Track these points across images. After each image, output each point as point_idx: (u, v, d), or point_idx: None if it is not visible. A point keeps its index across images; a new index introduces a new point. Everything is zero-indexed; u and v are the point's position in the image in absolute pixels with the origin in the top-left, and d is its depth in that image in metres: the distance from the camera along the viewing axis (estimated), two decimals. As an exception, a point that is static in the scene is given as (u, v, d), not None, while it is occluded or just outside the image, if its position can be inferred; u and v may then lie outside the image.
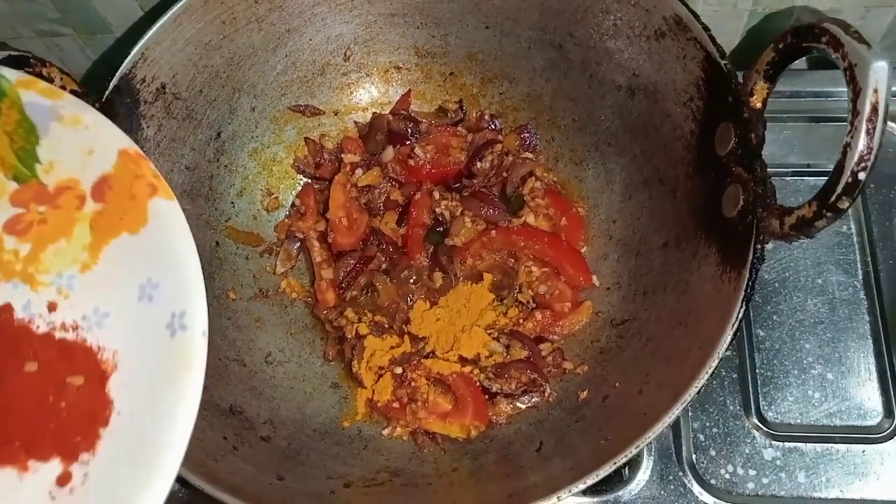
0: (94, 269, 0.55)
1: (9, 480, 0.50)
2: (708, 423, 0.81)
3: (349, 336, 0.85)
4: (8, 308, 0.54)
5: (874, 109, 0.54)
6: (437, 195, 0.90)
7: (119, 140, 0.57)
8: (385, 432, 0.80)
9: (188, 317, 0.52)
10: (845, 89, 0.56)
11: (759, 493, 0.78)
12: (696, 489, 0.79)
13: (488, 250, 0.88)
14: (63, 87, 0.68)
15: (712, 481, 0.79)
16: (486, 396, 0.81)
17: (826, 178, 0.58)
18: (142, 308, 0.53)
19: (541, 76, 0.90)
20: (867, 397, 0.82)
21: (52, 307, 0.55)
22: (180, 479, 0.61)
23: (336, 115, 0.95)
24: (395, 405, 0.81)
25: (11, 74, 0.57)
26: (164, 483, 0.48)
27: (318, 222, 0.90)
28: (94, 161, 0.56)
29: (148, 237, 0.54)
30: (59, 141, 0.57)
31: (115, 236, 0.55)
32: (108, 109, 0.71)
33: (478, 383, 0.81)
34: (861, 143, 0.54)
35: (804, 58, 0.65)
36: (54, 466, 0.50)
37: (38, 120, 0.57)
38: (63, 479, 0.50)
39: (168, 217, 0.55)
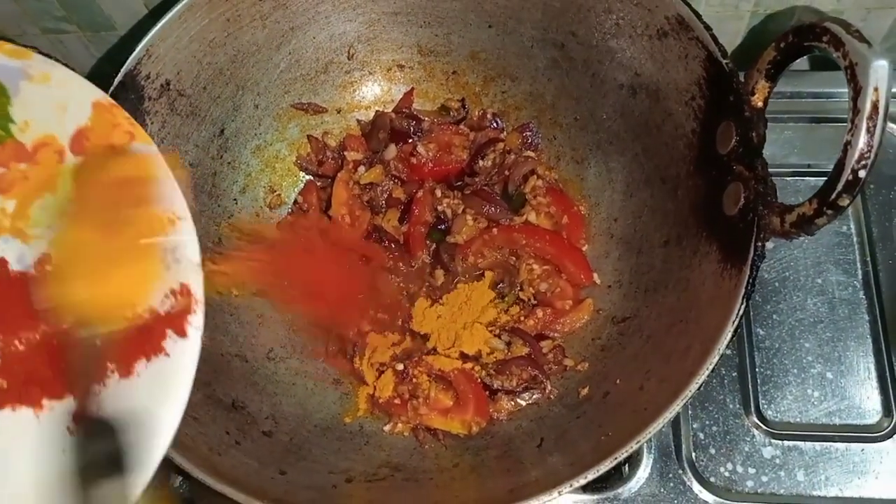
0: None
1: (26, 419, 0.52)
2: (708, 422, 0.82)
3: (351, 332, 0.85)
4: (3, 262, 0.55)
5: (875, 108, 0.54)
6: (439, 193, 0.90)
7: (91, 92, 0.59)
8: (386, 428, 0.81)
9: (180, 249, 0.54)
10: (845, 90, 0.57)
11: (759, 491, 0.79)
12: (696, 487, 0.79)
13: (490, 248, 0.88)
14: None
15: (712, 479, 0.79)
16: (487, 393, 0.81)
17: (826, 178, 0.58)
18: None
19: (543, 75, 0.90)
20: (866, 396, 0.82)
21: (47, 259, 0.56)
22: (183, 473, 0.62)
23: (339, 112, 0.96)
24: (397, 401, 0.81)
25: None
26: (182, 395, 0.51)
27: (320, 219, 0.91)
28: (69, 115, 0.58)
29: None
30: (31, 100, 0.57)
31: None
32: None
33: (479, 380, 0.81)
34: (861, 141, 0.55)
35: (806, 58, 0.66)
36: (68, 403, 0.52)
37: (8, 81, 0.57)
38: (78, 412, 0.52)
39: (148, 160, 0.57)
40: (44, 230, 0.56)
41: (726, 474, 0.79)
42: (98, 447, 0.51)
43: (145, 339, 0.53)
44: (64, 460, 0.51)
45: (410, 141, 0.92)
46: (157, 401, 0.52)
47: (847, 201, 0.57)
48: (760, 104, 0.68)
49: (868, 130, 0.54)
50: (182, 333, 0.53)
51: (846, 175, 0.56)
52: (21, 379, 0.53)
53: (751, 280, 0.63)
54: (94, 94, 0.58)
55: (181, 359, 0.53)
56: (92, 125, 0.57)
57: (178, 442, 0.61)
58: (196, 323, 0.54)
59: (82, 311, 0.53)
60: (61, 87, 0.58)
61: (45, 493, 0.50)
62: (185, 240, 0.56)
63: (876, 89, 0.54)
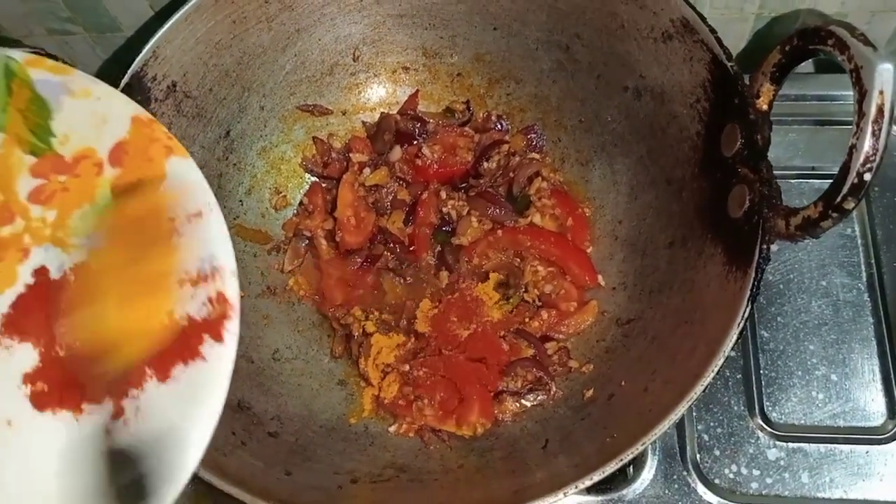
0: None
1: (67, 422, 0.53)
2: (712, 424, 0.82)
3: (356, 334, 0.85)
4: (43, 270, 0.56)
5: (880, 111, 0.54)
6: (443, 195, 0.90)
7: (130, 107, 0.60)
8: (391, 429, 0.81)
9: (217, 261, 0.55)
10: (850, 93, 0.57)
11: (763, 492, 0.79)
12: (700, 489, 0.79)
13: (494, 250, 0.88)
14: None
15: (716, 481, 0.79)
16: (492, 394, 0.81)
17: (831, 180, 0.58)
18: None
19: (548, 77, 0.90)
20: (871, 399, 0.82)
21: (85, 267, 0.57)
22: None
23: (344, 114, 0.96)
24: (402, 402, 0.81)
25: (19, 55, 0.59)
26: (219, 399, 0.52)
27: (325, 221, 0.91)
28: (108, 129, 0.59)
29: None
30: (71, 114, 0.59)
31: None
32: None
33: (483, 381, 0.81)
34: (867, 144, 0.55)
35: (811, 60, 0.66)
36: (107, 407, 0.53)
37: (50, 96, 0.59)
38: (116, 414, 0.53)
39: (183, 174, 0.58)
40: (82, 239, 0.57)
41: (731, 476, 0.80)
42: (134, 450, 0.52)
43: (183, 344, 0.54)
44: (101, 464, 0.52)
45: (415, 143, 0.93)
46: (193, 405, 0.53)
47: (852, 204, 0.57)
48: (765, 107, 0.68)
49: (873, 134, 0.55)
50: (219, 338, 0.54)
51: (851, 178, 0.56)
52: (61, 383, 0.54)
53: (756, 283, 0.63)
54: (134, 109, 0.60)
55: (218, 363, 0.54)
56: (130, 139, 0.59)
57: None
58: (232, 329, 0.55)
59: (109, 337, 0.54)
60: (101, 101, 0.60)
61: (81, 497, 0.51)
62: (221, 249, 0.56)
63: (881, 93, 0.54)
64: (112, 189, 0.58)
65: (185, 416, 0.52)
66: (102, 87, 0.61)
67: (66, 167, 0.58)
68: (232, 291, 0.55)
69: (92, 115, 0.59)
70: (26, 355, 0.54)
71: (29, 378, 0.54)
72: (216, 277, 0.55)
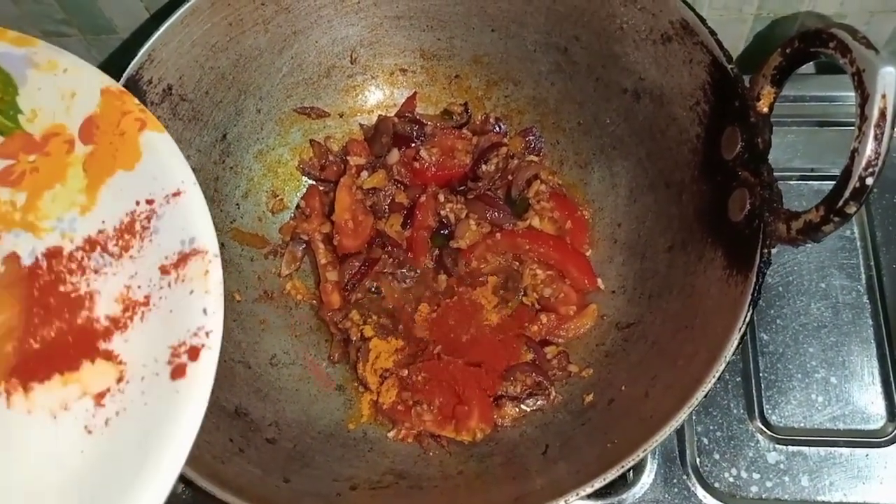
0: (95, 211, 0.55)
1: (44, 418, 0.51)
2: (712, 427, 0.82)
3: (354, 338, 0.85)
4: (14, 257, 0.54)
5: (882, 115, 0.54)
6: (442, 198, 0.90)
7: (100, 79, 0.57)
8: (390, 435, 0.80)
9: (197, 243, 0.53)
10: (849, 94, 0.57)
11: (763, 496, 0.78)
12: (700, 493, 0.79)
13: (493, 253, 0.88)
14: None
15: (716, 485, 0.79)
16: (492, 399, 0.81)
17: (830, 182, 0.58)
18: (149, 240, 0.54)
19: (546, 79, 0.90)
20: (870, 401, 0.82)
21: (56, 251, 0.55)
22: (186, 481, 0.61)
23: (341, 117, 0.95)
24: (400, 408, 0.81)
25: None
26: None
27: (323, 224, 0.90)
28: (78, 103, 0.56)
29: (144, 171, 0.55)
30: (38, 88, 0.56)
31: (110, 175, 0.55)
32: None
33: (482, 386, 0.81)
34: (869, 148, 0.54)
35: (812, 62, 0.65)
36: (86, 403, 0.51)
37: (14, 70, 0.56)
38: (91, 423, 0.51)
39: (161, 149, 0.55)
40: (54, 223, 0.55)
41: (731, 479, 0.79)
42: (116, 450, 0.50)
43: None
44: (82, 462, 0.50)
45: (413, 145, 0.92)
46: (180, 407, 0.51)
47: (854, 209, 0.57)
48: (766, 109, 0.68)
49: (875, 138, 0.54)
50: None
51: (853, 182, 0.56)
52: (39, 377, 0.52)
53: (757, 287, 0.62)
54: (103, 80, 0.57)
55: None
56: (101, 112, 0.56)
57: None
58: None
59: None
60: (69, 74, 0.57)
61: (60, 496, 0.50)
62: (201, 229, 0.54)
63: (884, 96, 0.54)
64: (83, 167, 0.55)
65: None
66: (69, 59, 0.57)
67: (36, 146, 0.56)
68: (216, 275, 0.53)
69: (60, 88, 0.56)
70: None
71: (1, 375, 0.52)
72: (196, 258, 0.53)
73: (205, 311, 0.51)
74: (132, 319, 0.53)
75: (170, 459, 0.47)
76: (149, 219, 0.55)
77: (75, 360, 0.53)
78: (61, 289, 0.54)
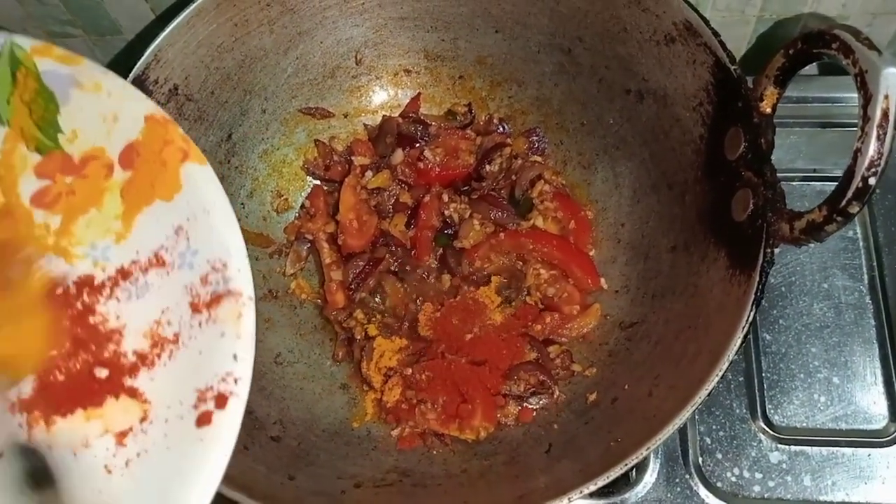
0: (129, 239, 0.54)
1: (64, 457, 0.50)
2: (714, 427, 0.82)
3: (358, 337, 0.85)
4: (47, 283, 0.53)
5: (885, 115, 0.54)
6: (446, 198, 0.90)
7: (144, 105, 0.55)
8: (394, 433, 0.81)
9: (232, 284, 0.51)
10: (851, 95, 0.57)
11: (766, 496, 0.79)
12: (703, 492, 0.79)
13: (497, 253, 0.88)
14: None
15: (718, 484, 0.79)
16: (495, 398, 0.81)
17: (833, 182, 0.59)
18: (182, 275, 0.52)
19: (550, 80, 0.90)
20: (873, 401, 0.82)
21: (88, 280, 0.53)
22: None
23: (346, 117, 0.96)
24: (404, 406, 0.81)
25: (25, 42, 0.54)
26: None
27: (327, 224, 0.91)
28: (120, 128, 0.54)
29: (182, 204, 0.53)
30: (80, 109, 0.54)
31: (147, 204, 0.53)
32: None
33: (486, 385, 0.81)
34: (871, 148, 0.55)
35: (815, 63, 0.66)
36: (108, 441, 0.50)
37: (57, 88, 0.54)
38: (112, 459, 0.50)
39: (202, 182, 0.53)
40: (88, 249, 0.53)
41: (733, 479, 0.80)
42: (135, 493, 0.49)
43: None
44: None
45: (417, 146, 0.93)
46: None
47: (857, 208, 0.57)
48: (769, 110, 0.68)
49: (878, 138, 0.55)
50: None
51: (856, 182, 0.56)
52: (62, 411, 0.51)
53: (760, 287, 0.63)
54: (148, 107, 0.55)
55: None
56: (143, 140, 0.54)
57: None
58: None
59: None
60: (113, 97, 0.55)
61: None
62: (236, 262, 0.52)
63: (886, 97, 0.54)
64: (121, 193, 0.53)
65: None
66: (114, 81, 0.55)
67: (74, 168, 0.54)
68: (249, 320, 0.50)
69: (102, 110, 0.54)
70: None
71: (24, 406, 0.51)
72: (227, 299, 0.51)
73: (235, 356, 0.49)
74: (160, 357, 0.52)
75: None
76: (184, 253, 0.52)
77: (99, 396, 0.51)
78: (91, 320, 0.52)
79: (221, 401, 0.49)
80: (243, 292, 0.51)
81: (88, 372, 0.51)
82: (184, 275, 0.52)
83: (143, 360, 0.52)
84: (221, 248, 0.52)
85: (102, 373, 0.51)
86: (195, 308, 0.51)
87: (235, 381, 0.49)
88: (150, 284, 0.53)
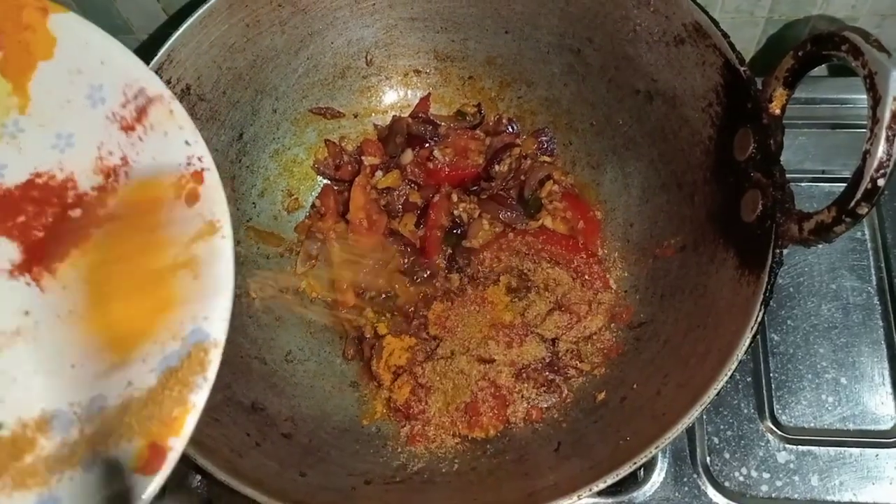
0: (33, 106, 0.56)
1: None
2: (722, 426, 0.82)
3: (368, 336, 0.86)
4: None
5: (894, 117, 0.54)
6: (455, 198, 0.91)
7: None
8: (404, 431, 0.81)
9: (149, 91, 0.55)
10: (860, 96, 0.57)
11: (773, 495, 0.79)
12: (710, 491, 0.79)
13: (506, 252, 0.89)
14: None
15: (726, 484, 0.80)
16: (504, 396, 0.81)
17: (842, 184, 0.59)
18: (99, 110, 0.56)
19: (559, 80, 0.91)
20: (880, 402, 0.82)
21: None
22: (205, 474, 0.62)
23: (356, 117, 0.96)
24: (414, 404, 0.81)
25: None
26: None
27: (337, 223, 0.91)
28: None
29: (64, 54, 0.56)
30: None
31: (32, 70, 0.56)
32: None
33: (495, 383, 0.81)
34: (880, 150, 0.55)
35: (824, 65, 0.66)
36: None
37: None
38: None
39: (71, 26, 0.56)
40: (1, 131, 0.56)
41: (741, 479, 0.80)
42: None
43: None
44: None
45: (427, 146, 0.93)
46: None
47: (866, 209, 0.57)
48: (778, 111, 0.68)
49: (887, 139, 0.55)
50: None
51: (865, 183, 0.56)
52: (58, 257, 0.54)
53: (769, 287, 0.63)
54: None
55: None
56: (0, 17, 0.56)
57: (201, 443, 0.63)
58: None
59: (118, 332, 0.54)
60: None
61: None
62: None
63: (895, 99, 0.54)
64: (2, 74, 0.55)
65: None
66: None
67: None
68: (181, 111, 0.55)
69: None
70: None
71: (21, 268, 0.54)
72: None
73: (186, 142, 0.55)
74: (118, 181, 0.56)
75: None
76: (90, 93, 0.56)
77: (84, 230, 0.55)
78: (37, 182, 0.56)
79: (197, 177, 0.54)
80: (163, 94, 0.56)
81: (62, 218, 0.55)
82: (100, 109, 0.56)
83: (104, 190, 0.56)
84: (122, 72, 0.56)
85: (76, 212, 0.55)
86: (128, 128, 0.56)
87: (199, 158, 0.55)
88: (73, 132, 0.56)
